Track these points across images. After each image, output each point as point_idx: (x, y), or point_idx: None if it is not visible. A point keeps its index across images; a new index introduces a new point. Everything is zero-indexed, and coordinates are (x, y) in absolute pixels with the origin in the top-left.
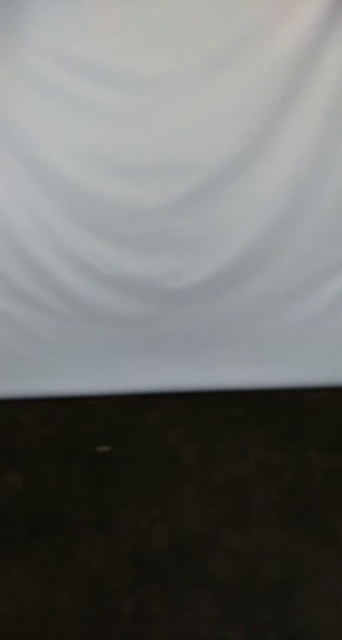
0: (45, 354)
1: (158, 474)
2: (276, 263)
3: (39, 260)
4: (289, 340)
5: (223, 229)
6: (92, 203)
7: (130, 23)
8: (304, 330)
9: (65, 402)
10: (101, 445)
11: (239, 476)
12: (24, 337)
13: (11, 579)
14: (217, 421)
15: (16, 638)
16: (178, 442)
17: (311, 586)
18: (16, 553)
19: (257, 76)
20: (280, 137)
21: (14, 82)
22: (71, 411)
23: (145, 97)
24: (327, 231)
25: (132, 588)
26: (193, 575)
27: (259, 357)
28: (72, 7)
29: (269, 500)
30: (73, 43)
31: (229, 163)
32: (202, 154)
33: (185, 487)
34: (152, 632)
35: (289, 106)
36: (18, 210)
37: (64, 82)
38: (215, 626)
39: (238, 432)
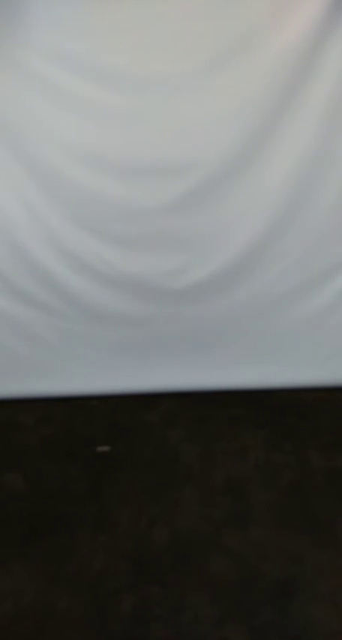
0: (45, 354)
1: (158, 473)
2: (275, 262)
3: (39, 260)
4: (290, 340)
5: (222, 229)
6: (92, 203)
7: (130, 23)
8: (304, 330)
9: (65, 402)
10: (101, 445)
11: (239, 476)
12: (24, 337)
13: (11, 579)
14: (217, 421)
15: (16, 638)
16: (178, 442)
17: (311, 586)
18: (16, 553)
19: (257, 75)
20: (280, 137)
21: (15, 81)
22: (71, 411)
23: (145, 97)
24: (326, 230)
25: (132, 588)
26: (193, 575)
27: (259, 357)
28: (73, 7)
29: (269, 500)
30: (74, 44)
31: (228, 163)
32: (202, 154)
33: (185, 487)
34: (152, 632)
35: (289, 106)
36: (18, 210)
37: (64, 82)
38: (215, 626)
39: (238, 432)
